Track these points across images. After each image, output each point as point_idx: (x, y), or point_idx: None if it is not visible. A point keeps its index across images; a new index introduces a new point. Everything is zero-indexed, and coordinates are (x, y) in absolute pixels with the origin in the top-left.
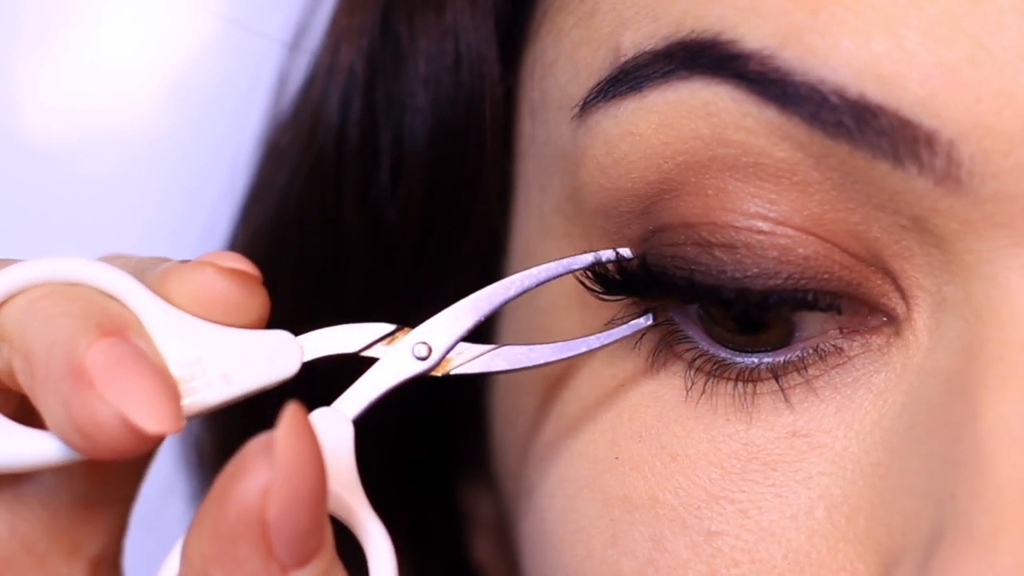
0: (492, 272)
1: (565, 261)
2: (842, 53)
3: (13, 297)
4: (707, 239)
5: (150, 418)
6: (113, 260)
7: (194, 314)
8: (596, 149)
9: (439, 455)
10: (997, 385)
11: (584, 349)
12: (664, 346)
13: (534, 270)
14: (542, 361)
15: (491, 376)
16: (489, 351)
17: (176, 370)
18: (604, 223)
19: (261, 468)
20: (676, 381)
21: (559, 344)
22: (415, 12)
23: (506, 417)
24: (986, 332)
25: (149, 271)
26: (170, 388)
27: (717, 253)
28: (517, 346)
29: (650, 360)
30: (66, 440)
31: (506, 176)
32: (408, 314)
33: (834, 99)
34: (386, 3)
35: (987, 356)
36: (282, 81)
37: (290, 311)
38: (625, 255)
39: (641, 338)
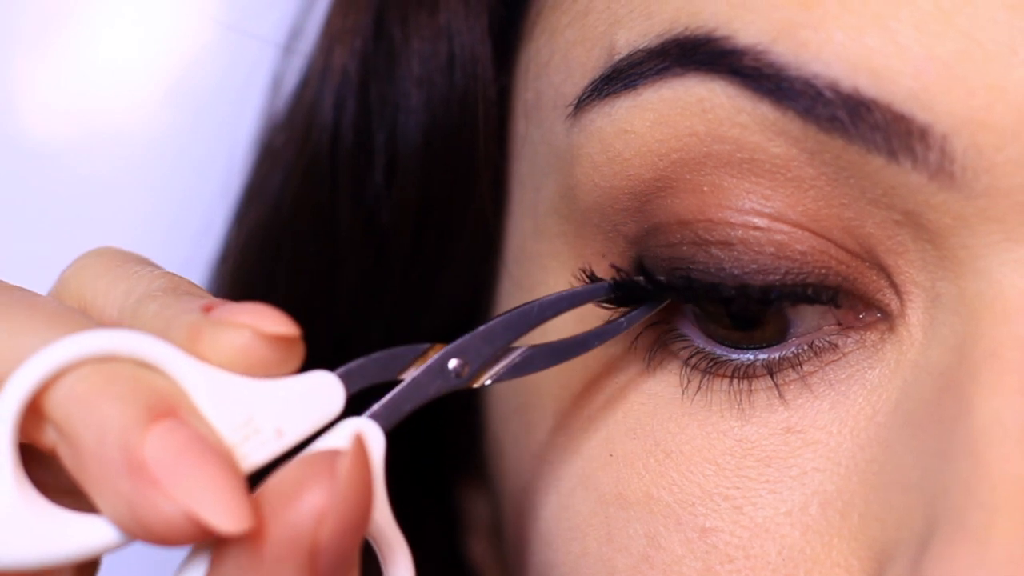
0: (486, 272)
1: (606, 283)
2: (835, 47)
3: (56, 379)
4: (704, 237)
5: (222, 517)
6: (154, 292)
7: (232, 372)
8: (591, 147)
9: (434, 455)
10: (990, 381)
11: (612, 335)
12: (660, 344)
13: (575, 289)
14: (574, 353)
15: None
16: (520, 354)
17: (229, 435)
18: (599, 221)
19: (318, 491)
20: (671, 378)
21: (587, 333)
22: (408, 13)
23: (501, 416)
24: (979, 328)
25: (176, 325)
26: (236, 478)
27: (714, 251)
28: (545, 343)
29: (646, 358)
30: (126, 531)
31: (500, 176)
32: (402, 315)
33: (828, 93)
34: (379, 4)
35: (980, 352)
36: (277, 83)
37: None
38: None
39: (637, 336)
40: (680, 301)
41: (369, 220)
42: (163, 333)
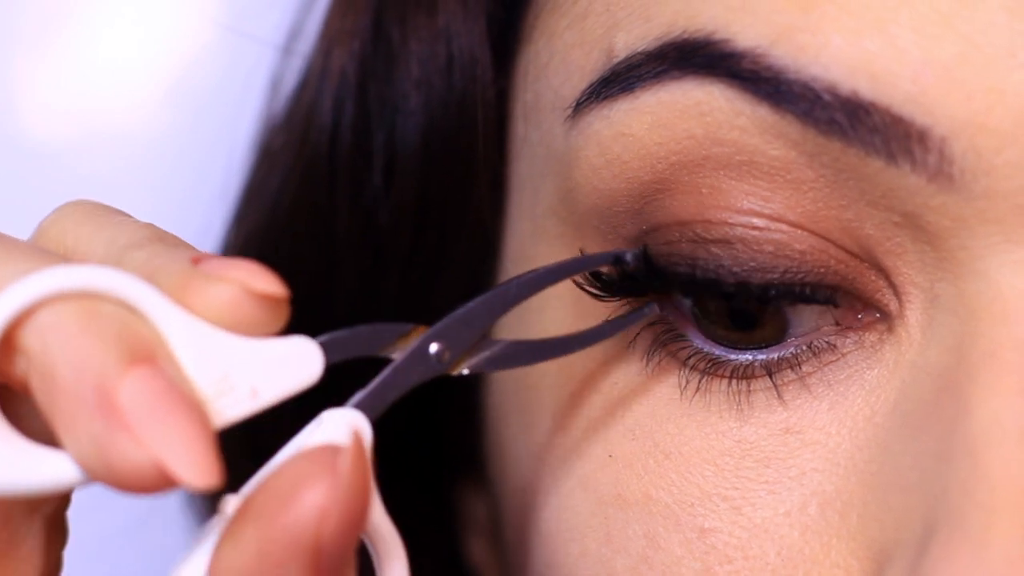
0: (485, 274)
1: (581, 259)
2: (834, 51)
3: (35, 309)
4: (702, 236)
5: (189, 469)
6: (141, 240)
7: (215, 325)
8: (589, 150)
9: (433, 455)
10: (989, 382)
11: (595, 340)
12: (658, 345)
13: (550, 266)
14: (554, 354)
15: (492, 373)
16: (500, 347)
17: (205, 389)
18: (598, 223)
19: (320, 489)
20: (670, 379)
21: (569, 336)
22: (407, 15)
23: (500, 417)
24: (978, 329)
25: (164, 273)
26: (207, 433)
27: (713, 249)
28: (526, 340)
29: (644, 359)
30: (89, 471)
31: (498, 178)
32: (400, 316)
33: (827, 97)
34: (378, 6)
35: (979, 353)
36: (275, 84)
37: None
38: (629, 258)
39: (635, 337)
40: (680, 294)
41: (367, 222)
42: (149, 280)
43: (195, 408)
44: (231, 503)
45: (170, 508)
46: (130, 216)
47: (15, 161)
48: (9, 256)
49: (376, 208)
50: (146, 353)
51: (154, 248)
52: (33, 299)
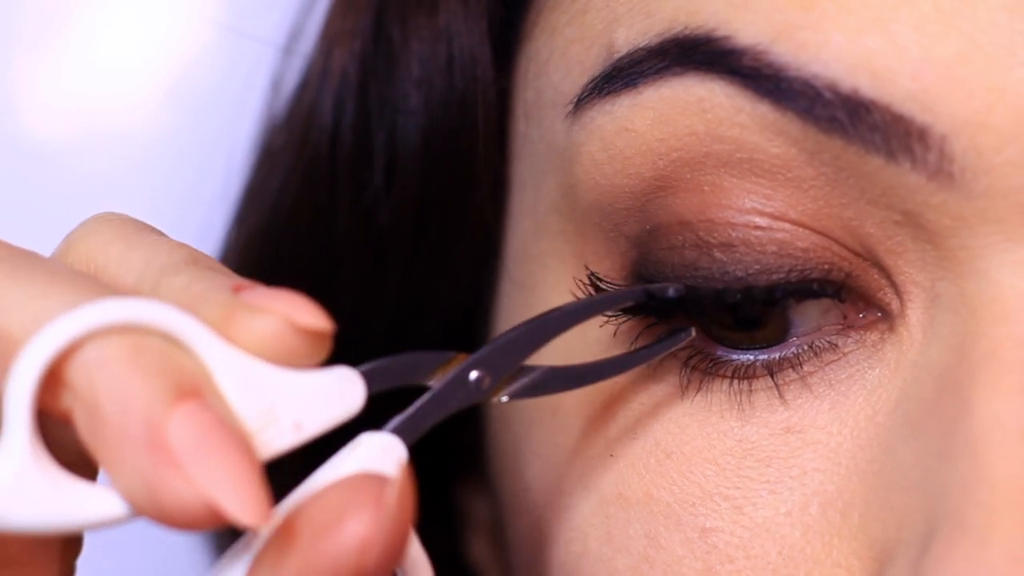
0: (487, 273)
1: (630, 290)
2: (834, 48)
3: (82, 343)
4: (705, 239)
5: (239, 507)
6: (176, 265)
7: (255, 355)
8: (591, 145)
9: (435, 455)
10: (990, 381)
11: (632, 366)
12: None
13: (596, 296)
14: (591, 380)
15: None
16: (539, 373)
17: (250, 422)
18: (599, 220)
19: (365, 519)
20: (671, 378)
21: (606, 361)
22: (408, 15)
23: (502, 417)
24: (979, 328)
25: (206, 303)
26: (256, 469)
27: (716, 254)
28: (564, 366)
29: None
30: (137, 508)
31: (500, 177)
32: (402, 315)
33: (827, 94)
34: (379, 6)
35: (980, 352)
36: (276, 84)
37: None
38: (673, 293)
39: (636, 338)
40: (688, 315)
41: (368, 221)
42: (191, 309)
43: (243, 443)
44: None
45: None
46: (163, 234)
47: (15, 161)
48: (53, 284)
49: (377, 208)
50: (193, 388)
51: (192, 274)
52: (80, 334)
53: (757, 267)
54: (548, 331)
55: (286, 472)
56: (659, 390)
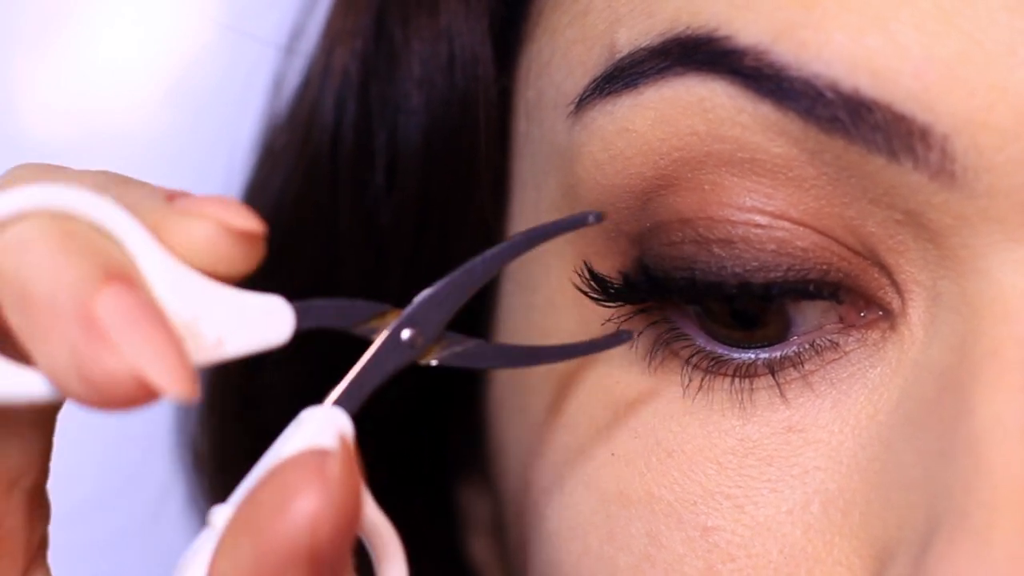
0: None
1: (543, 226)
2: (836, 48)
3: (5, 225)
4: (704, 235)
5: (168, 379)
6: (105, 183)
7: (187, 263)
8: (592, 145)
9: (435, 453)
10: (991, 380)
11: (566, 357)
12: (661, 344)
13: (514, 238)
14: (522, 363)
15: (482, 372)
16: (471, 345)
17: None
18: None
19: (311, 496)
20: (673, 378)
21: (540, 347)
22: (409, 14)
23: (502, 415)
24: (980, 327)
25: (143, 206)
26: (182, 347)
27: (715, 250)
28: (497, 344)
29: (647, 357)
30: (61, 386)
31: (501, 176)
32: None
33: (829, 94)
34: (380, 5)
35: (981, 351)
36: (278, 83)
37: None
38: (592, 220)
39: (638, 336)
40: (683, 302)
41: (370, 221)
42: (131, 208)
43: (168, 324)
44: (221, 514)
45: (173, 510)
46: (83, 169)
47: (15, 161)
48: None
49: (378, 207)
50: (120, 272)
51: (120, 189)
52: (6, 214)
53: (755, 264)
54: (474, 279)
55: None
56: (661, 389)
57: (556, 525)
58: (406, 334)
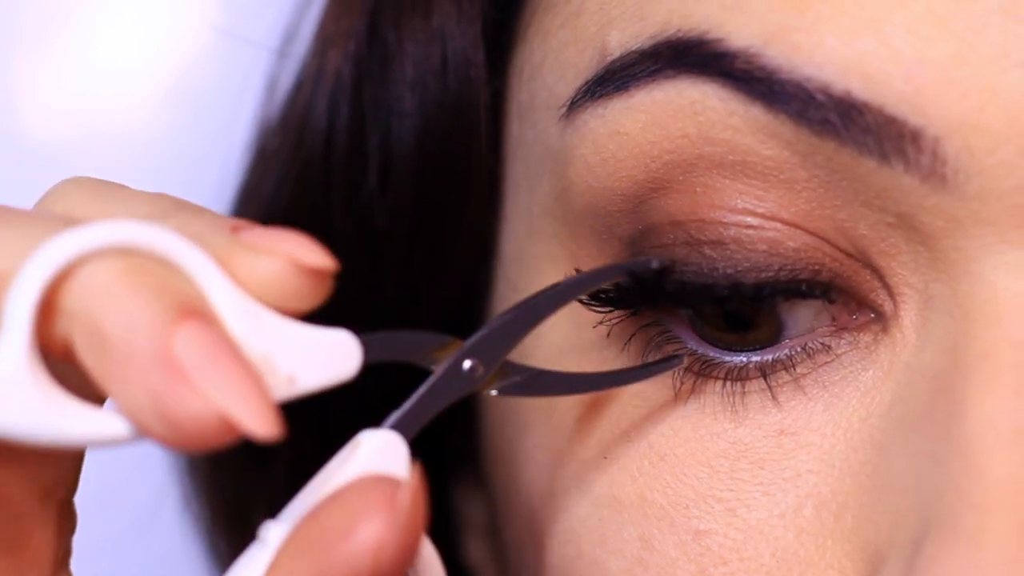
0: (482, 275)
1: (610, 267)
2: (827, 51)
3: (75, 267)
4: (696, 237)
5: (254, 419)
6: (166, 210)
7: (256, 298)
8: (584, 149)
9: (431, 456)
10: (984, 383)
11: (627, 383)
12: (653, 347)
13: (578, 276)
14: (583, 389)
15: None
16: (530, 374)
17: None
18: (592, 223)
19: (378, 523)
20: (664, 380)
21: (601, 374)
22: (402, 17)
23: (497, 419)
24: (973, 330)
25: (209, 238)
26: (264, 385)
27: (707, 251)
28: (557, 372)
29: (639, 361)
30: (143, 428)
31: (494, 179)
32: (397, 318)
33: (820, 97)
34: (373, 8)
35: (974, 354)
36: (271, 86)
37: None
38: (656, 265)
39: (630, 338)
40: (674, 305)
41: (363, 224)
42: (200, 242)
43: (247, 361)
44: (273, 530)
45: (166, 516)
46: (138, 190)
47: (15, 161)
48: (40, 224)
49: (372, 210)
50: (194, 309)
51: (183, 218)
52: (77, 254)
53: (747, 264)
54: (538, 313)
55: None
56: (652, 392)
57: (549, 529)
58: (467, 364)
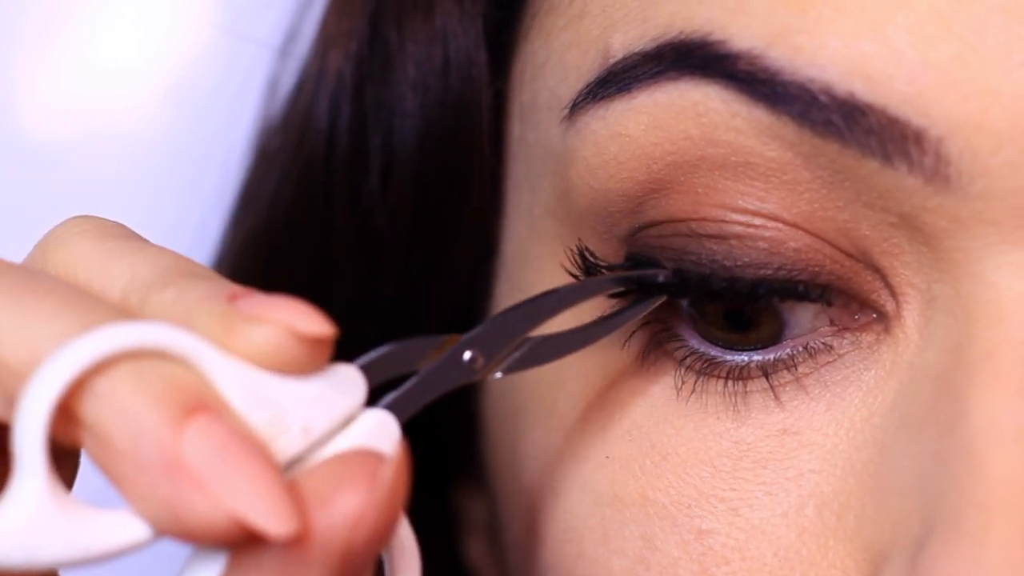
0: (483, 275)
1: (623, 275)
2: (830, 52)
3: (81, 382)
4: (697, 231)
5: (269, 519)
6: (166, 278)
7: (258, 365)
8: (585, 151)
9: (432, 456)
10: (986, 382)
11: (618, 326)
12: (654, 344)
13: (592, 280)
14: (580, 345)
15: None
16: (529, 345)
17: (261, 432)
18: (593, 224)
19: (358, 494)
20: (666, 379)
21: (590, 325)
22: (404, 17)
23: (498, 417)
24: (975, 330)
25: (201, 315)
26: (279, 477)
27: (707, 243)
28: (551, 334)
29: (640, 359)
30: (162, 531)
31: (496, 179)
32: (398, 318)
33: (823, 98)
34: (375, 8)
35: (976, 353)
36: (272, 86)
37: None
38: (662, 279)
39: (631, 336)
40: (671, 295)
41: (365, 224)
42: (186, 323)
43: (260, 451)
44: None
45: None
46: (142, 240)
47: (15, 161)
48: (47, 305)
49: (373, 210)
50: (200, 403)
51: (181, 285)
52: (82, 368)
53: (746, 259)
54: (542, 313)
55: None
56: (654, 391)
57: (551, 528)
58: (467, 355)
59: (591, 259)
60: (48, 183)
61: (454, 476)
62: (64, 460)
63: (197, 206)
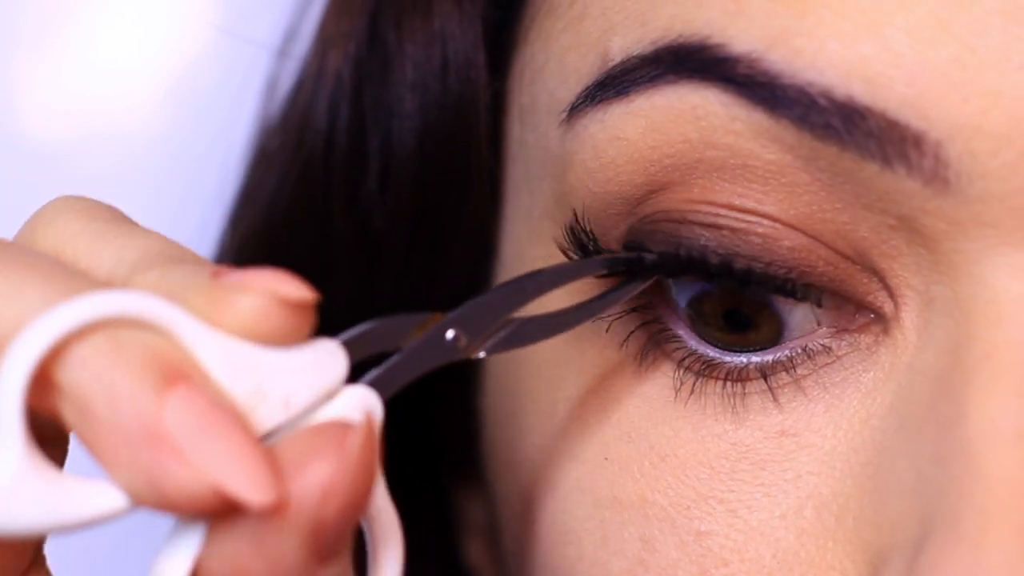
0: (481, 276)
1: (606, 258)
2: (829, 55)
3: (61, 348)
4: (689, 219)
5: (249, 488)
6: (151, 258)
7: (240, 337)
8: (584, 153)
9: (431, 456)
10: (985, 384)
11: (599, 311)
12: (652, 345)
13: (574, 262)
14: (566, 327)
15: (488, 372)
16: (514, 326)
17: (241, 403)
18: (592, 226)
19: (327, 465)
20: (665, 381)
21: (577, 307)
22: (403, 18)
23: (496, 419)
24: (974, 331)
25: (187, 290)
26: (259, 447)
27: (699, 230)
28: (537, 316)
29: (638, 359)
30: (141, 501)
31: (495, 180)
32: None
33: (822, 101)
34: (374, 9)
35: (975, 355)
36: (271, 86)
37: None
38: (649, 258)
39: (629, 335)
40: (665, 275)
41: (363, 225)
42: (171, 298)
43: (239, 421)
44: None
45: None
46: (130, 221)
47: (15, 161)
48: (29, 278)
49: (372, 211)
50: (180, 372)
51: (166, 266)
52: (61, 335)
53: (738, 249)
54: (527, 293)
55: None
56: (653, 393)
57: (550, 529)
58: (449, 334)
59: (584, 238)
60: (48, 183)
61: (453, 477)
62: (53, 444)
63: (197, 206)
